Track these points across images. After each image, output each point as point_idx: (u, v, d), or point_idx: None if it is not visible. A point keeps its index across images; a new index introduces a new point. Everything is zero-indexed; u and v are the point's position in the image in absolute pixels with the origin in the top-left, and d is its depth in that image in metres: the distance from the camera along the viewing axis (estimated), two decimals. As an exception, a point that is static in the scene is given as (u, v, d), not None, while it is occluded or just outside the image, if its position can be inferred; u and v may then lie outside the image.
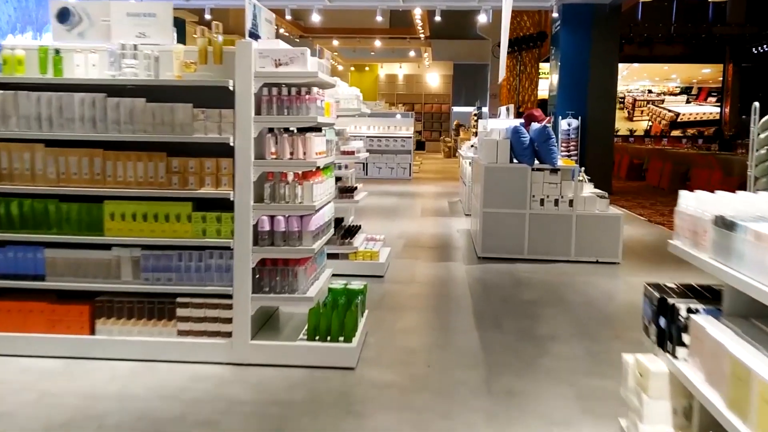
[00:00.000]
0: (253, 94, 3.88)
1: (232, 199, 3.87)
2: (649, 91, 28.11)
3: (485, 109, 21.70)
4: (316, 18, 15.98)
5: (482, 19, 15.06)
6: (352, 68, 32.99)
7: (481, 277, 6.28)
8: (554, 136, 6.81)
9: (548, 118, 7.71)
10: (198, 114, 3.86)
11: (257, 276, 3.94)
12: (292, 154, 3.94)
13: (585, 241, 6.87)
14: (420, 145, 31.30)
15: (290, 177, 3.96)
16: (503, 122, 10.02)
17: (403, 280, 6.11)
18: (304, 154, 3.99)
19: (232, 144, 3.85)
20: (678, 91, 27.78)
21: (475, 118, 19.51)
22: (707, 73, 27.82)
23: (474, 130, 18.91)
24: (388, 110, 20.55)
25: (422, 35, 22.83)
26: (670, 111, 27.69)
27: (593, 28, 14.35)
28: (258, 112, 3.91)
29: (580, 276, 6.37)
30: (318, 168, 4.13)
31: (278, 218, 3.93)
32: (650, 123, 27.87)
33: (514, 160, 7.09)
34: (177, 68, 3.91)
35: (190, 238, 3.91)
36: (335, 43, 24.61)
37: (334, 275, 4.74)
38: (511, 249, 6.95)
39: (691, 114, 27.49)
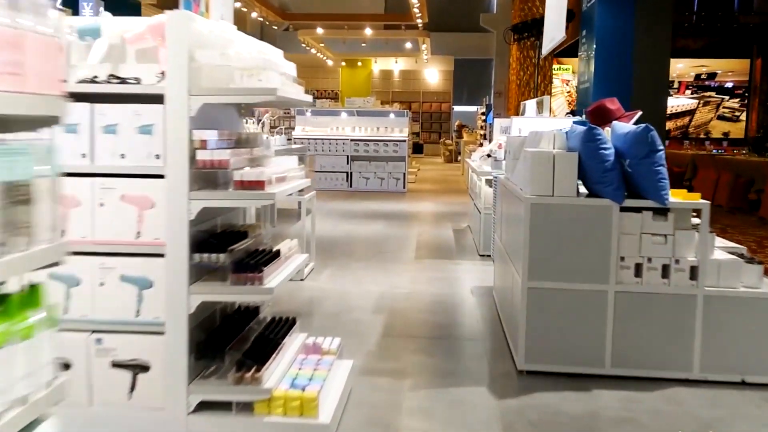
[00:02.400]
0: None
1: None
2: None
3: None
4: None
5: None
6: (343, 63, 29.77)
7: (528, 424, 3.09)
8: (662, 147, 3.60)
9: (634, 113, 4.49)
10: None
11: None
12: None
13: (721, 344, 3.66)
14: (418, 148, 28.12)
15: None
16: (545, 122, 6.83)
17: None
18: None
19: None
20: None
21: (483, 118, 16.27)
22: (723, 65, 24.55)
23: (482, 132, 15.70)
24: (380, 108, 17.32)
25: (419, 21, 19.61)
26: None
27: (638, 1, 11.20)
28: None
29: (728, 421, 3.18)
30: None
31: None
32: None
33: (580, 187, 3.89)
34: None
35: None
36: (320, 31, 21.38)
37: None
38: (581, 357, 3.73)
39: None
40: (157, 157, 2.77)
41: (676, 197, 3.71)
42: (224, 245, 2.81)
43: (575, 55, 21.55)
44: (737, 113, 23.88)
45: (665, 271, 3.66)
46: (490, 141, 9.33)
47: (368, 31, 21.00)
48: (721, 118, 23.88)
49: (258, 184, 2.74)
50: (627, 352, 3.69)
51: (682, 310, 3.65)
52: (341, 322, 4.71)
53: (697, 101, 23.93)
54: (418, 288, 5.74)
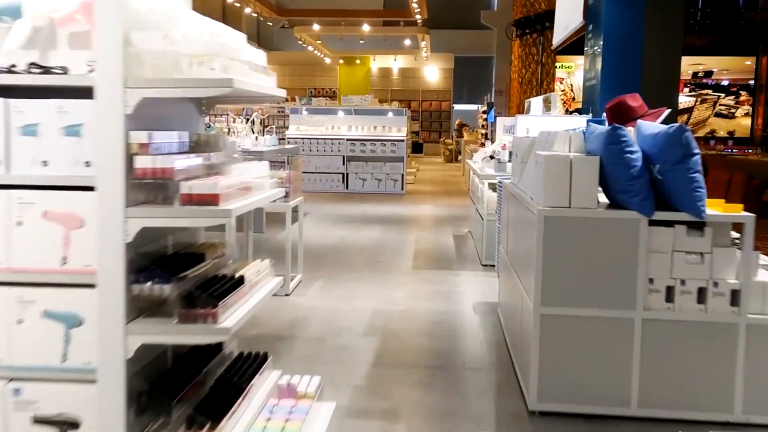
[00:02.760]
0: None
1: None
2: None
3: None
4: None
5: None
6: (341, 61, 29.22)
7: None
8: (698, 151, 3.06)
9: (660, 110, 3.96)
10: None
11: None
12: None
13: (767, 380, 3.13)
14: (417, 148, 27.58)
15: None
16: (554, 121, 6.31)
17: None
18: None
19: None
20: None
21: (484, 117, 15.73)
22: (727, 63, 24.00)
23: (483, 131, 15.16)
24: (378, 106, 16.78)
25: (418, 17, 19.06)
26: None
27: (647, -6, 10.66)
28: None
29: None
30: None
31: None
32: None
33: (601, 197, 3.37)
34: None
35: None
36: (316, 27, 20.82)
37: None
38: (603, 395, 3.20)
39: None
40: (87, 164, 2.24)
41: (713, 209, 3.17)
42: (172, 272, 2.28)
43: (571, 52, 21.00)
44: (732, 110, 23.38)
45: (701, 295, 3.13)
46: (492, 141, 8.79)
47: (366, 28, 20.45)
48: (718, 115, 23.36)
49: (210, 198, 2.20)
50: (656, 391, 3.16)
51: (722, 341, 3.12)
52: (327, 348, 4.18)
53: (694, 99, 23.41)
54: (415, 305, 5.21)
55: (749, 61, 23.60)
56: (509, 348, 4.10)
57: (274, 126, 12.71)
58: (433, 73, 29.85)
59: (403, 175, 13.34)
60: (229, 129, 8.86)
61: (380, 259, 6.92)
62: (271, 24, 23.32)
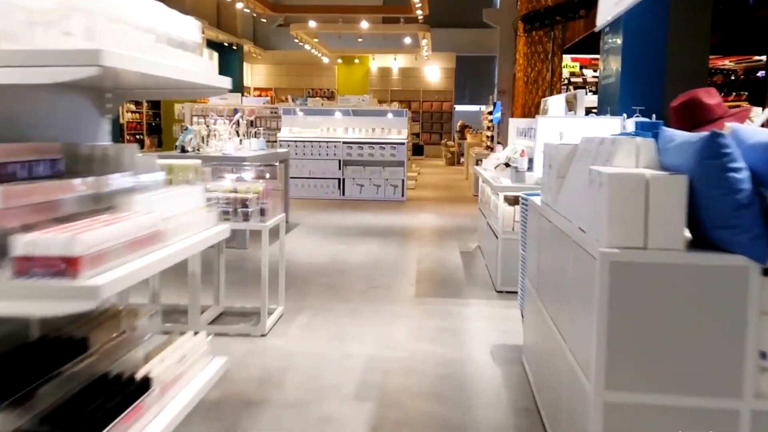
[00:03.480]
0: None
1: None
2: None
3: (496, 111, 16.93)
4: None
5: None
6: (339, 60, 28.27)
7: None
8: (834, 167, 2.10)
9: (742, 110, 3.00)
10: None
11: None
12: None
13: None
14: (418, 150, 26.62)
15: None
16: (584, 124, 5.35)
17: None
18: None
19: None
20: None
21: (490, 118, 14.78)
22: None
23: (489, 133, 14.20)
24: (377, 107, 15.83)
25: (420, 13, 18.10)
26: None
27: (672, -16, 9.74)
28: None
29: None
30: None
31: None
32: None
33: (687, 231, 2.40)
34: None
35: None
36: (312, 24, 19.86)
37: None
38: None
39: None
40: None
41: None
42: (12, 386, 1.31)
43: (572, 52, 19.98)
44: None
45: (838, 376, 2.16)
46: (503, 145, 7.83)
47: (364, 25, 19.49)
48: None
49: (63, 266, 1.24)
50: None
51: None
52: (306, 420, 3.20)
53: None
54: (419, 349, 4.24)
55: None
56: (543, 418, 3.14)
57: (262, 128, 11.72)
58: (434, 72, 28.91)
59: (403, 180, 12.37)
60: (209, 131, 7.90)
61: (377, 283, 5.95)
62: (265, 21, 22.37)
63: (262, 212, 4.51)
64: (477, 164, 13.25)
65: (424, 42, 23.67)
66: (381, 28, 22.20)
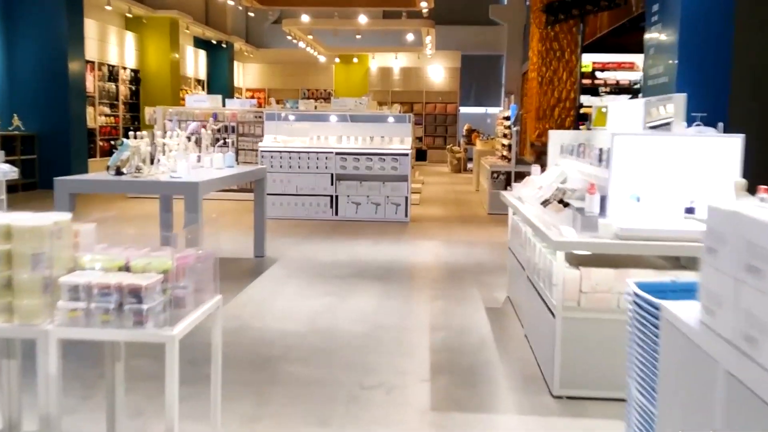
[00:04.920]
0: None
1: None
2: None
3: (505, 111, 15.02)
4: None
5: None
6: (337, 59, 26.41)
7: None
8: None
9: None
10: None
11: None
12: None
13: None
14: (420, 155, 24.69)
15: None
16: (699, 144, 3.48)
17: None
18: None
19: None
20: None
21: (507, 123, 12.90)
22: None
23: (506, 141, 12.31)
24: (377, 111, 13.96)
25: (424, 6, 16.20)
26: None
27: (740, -38, 7.91)
28: None
29: None
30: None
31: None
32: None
33: None
34: None
35: None
36: (305, 19, 17.98)
37: None
38: None
39: None
40: None
41: None
42: None
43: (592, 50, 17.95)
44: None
45: None
46: (541, 164, 5.94)
47: (363, 19, 17.60)
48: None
49: None
50: None
51: None
52: None
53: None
54: None
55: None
56: None
57: (228, 139, 9.79)
58: (437, 72, 27.04)
59: (407, 198, 10.49)
60: (154, 146, 6.03)
61: (374, 377, 4.06)
62: (253, 14, 20.50)
63: (176, 304, 2.64)
64: (492, 176, 11.36)
65: (428, 39, 21.79)
66: (381, 23, 20.32)
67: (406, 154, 10.52)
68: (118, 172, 5.76)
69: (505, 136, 12.50)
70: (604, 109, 5.35)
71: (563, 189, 4.48)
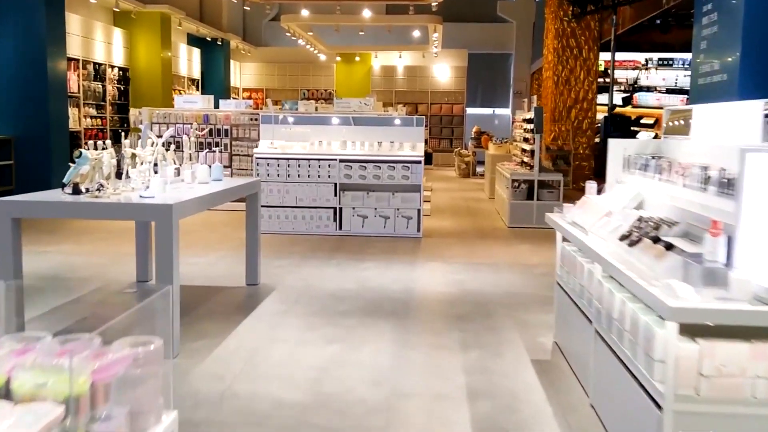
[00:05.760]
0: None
1: None
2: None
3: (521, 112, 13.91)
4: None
5: None
6: (338, 58, 25.30)
7: None
8: None
9: None
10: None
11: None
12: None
13: None
14: (426, 158, 23.60)
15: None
16: None
17: None
18: None
19: None
20: None
21: (525, 127, 11.78)
22: None
23: (528, 146, 11.17)
24: (384, 113, 12.86)
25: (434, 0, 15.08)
26: None
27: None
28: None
29: None
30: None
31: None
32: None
33: None
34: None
35: None
36: (305, 13, 16.86)
37: None
38: None
39: None
40: None
41: None
42: None
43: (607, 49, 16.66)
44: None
45: None
46: (601, 184, 4.80)
47: (366, 14, 16.48)
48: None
49: None
50: None
51: None
52: None
53: None
54: None
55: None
56: None
57: (222, 143, 8.65)
58: (443, 71, 25.91)
59: (419, 210, 9.38)
60: (120, 157, 4.91)
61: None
62: (249, 8, 19.37)
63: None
64: (513, 185, 10.22)
65: (435, 36, 20.68)
66: (385, 19, 19.22)
67: (419, 162, 9.40)
68: (76, 191, 4.65)
69: (525, 140, 11.37)
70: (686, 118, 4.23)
71: (650, 220, 3.36)
